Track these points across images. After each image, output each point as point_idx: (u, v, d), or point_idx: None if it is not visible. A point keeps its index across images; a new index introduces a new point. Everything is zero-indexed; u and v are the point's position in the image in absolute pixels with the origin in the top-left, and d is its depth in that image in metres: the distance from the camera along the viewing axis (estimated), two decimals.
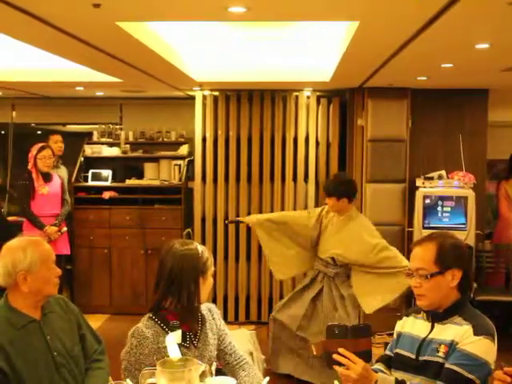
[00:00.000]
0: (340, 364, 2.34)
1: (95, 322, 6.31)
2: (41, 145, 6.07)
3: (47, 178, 6.09)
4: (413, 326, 2.60)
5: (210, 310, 2.85)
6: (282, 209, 6.61)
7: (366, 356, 2.37)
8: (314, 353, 2.41)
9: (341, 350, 2.34)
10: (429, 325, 2.53)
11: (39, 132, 8.97)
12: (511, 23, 3.25)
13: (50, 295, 2.77)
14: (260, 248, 6.58)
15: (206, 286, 2.73)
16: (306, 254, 5.00)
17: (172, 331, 2.46)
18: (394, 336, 2.69)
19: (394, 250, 4.73)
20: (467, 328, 2.39)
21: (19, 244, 2.69)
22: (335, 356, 2.34)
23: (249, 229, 6.63)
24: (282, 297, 6.73)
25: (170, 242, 2.76)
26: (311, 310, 4.87)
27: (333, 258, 4.79)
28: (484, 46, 3.86)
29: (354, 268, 4.78)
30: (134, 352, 2.58)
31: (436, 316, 2.51)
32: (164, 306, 2.68)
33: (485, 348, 2.35)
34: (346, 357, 2.33)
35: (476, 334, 2.37)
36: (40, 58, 5.07)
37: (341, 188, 4.75)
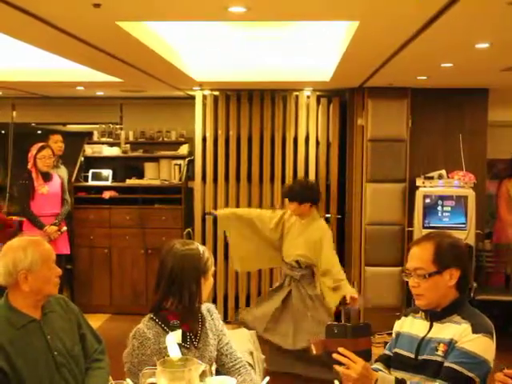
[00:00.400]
0: (340, 363, 2.34)
1: (95, 321, 6.31)
2: (40, 144, 6.07)
3: (47, 177, 6.09)
4: (411, 326, 2.60)
5: (209, 311, 2.85)
6: (282, 208, 6.60)
7: (366, 355, 2.37)
8: (314, 352, 2.40)
9: (341, 349, 2.34)
10: (427, 324, 2.53)
11: (39, 132, 8.98)
12: (511, 23, 3.25)
13: (50, 295, 2.77)
14: None
15: (206, 286, 2.73)
16: (269, 253, 5.08)
17: (172, 331, 2.46)
18: (393, 335, 2.69)
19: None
20: (466, 326, 2.40)
21: (20, 243, 2.69)
22: (335, 355, 2.34)
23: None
24: None
25: (171, 242, 2.76)
26: (279, 312, 4.93)
27: (297, 261, 4.88)
28: (484, 45, 3.86)
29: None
30: (137, 353, 2.58)
31: (434, 315, 2.51)
32: (165, 307, 2.68)
33: (484, 346, 2.36)
34: (346, 356, 2.33)
35: (475, 332, 2.37)
36: (40, 58, 5.08)
37: (303, 193, 4.84)
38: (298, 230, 4.91)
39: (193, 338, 2.69)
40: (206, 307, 2.84)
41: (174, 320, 2.58)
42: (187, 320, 2.67)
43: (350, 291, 4.70)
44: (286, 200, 4.99)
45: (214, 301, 6.61)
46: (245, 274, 6.72)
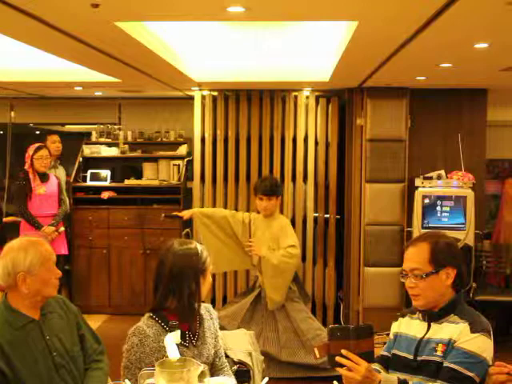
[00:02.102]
0: (343, 366, 2.34)
1: (94, 322, 6.32)
2: (37, 145, 6.08)
3: (44, 178, 6.09)
4: (409, 327, 2.61)
5: (208, 311, 2.87)
6: (281, 208, 6.60)
7: (369, 357, 2.38)
8: (317, 356, 2.41)
9: (344, 351, 2.34)
10: (425, 325, 2.54)
11: (38, 132, 8.97)
12: (510, 23, 3.26)
13: (49, 296, 2.77)
14: None
15: (205, 285, 2.75)
16: (240, 254, 5.14)
17: (172, 331, 2.47)
18: (391, 336, 2.70)
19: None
20: (464, 326, 2.41)
21: (20, 245, 2.69)
22: (338, 358, 2.34)
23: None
24: None
25: (169, 242, 2.77)
26: (250, 314, 4.98)
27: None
28: (483, 45, 3.87)
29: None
30: (135, 350, 2.58)
31: (432, 316, 2.52)
32: (165, 306, 2.69)
33: (482, 345, 2.37)
34: (349, 358, 2.33)
35: (473, 331, 2.38)
36: (38, 58, 5.08)
37: (279, 186, 5.02)
38: (261, 229, 4.99)
39: (192, 337, 2.71)
40: (205, 307, 2.86)
41: (173, 320, 2.59)
42: (187, 319, 2.67)
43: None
44: (256, 200, 5.02)
45: (213, 302, 6.61)
46: (243, 274, 6.72)
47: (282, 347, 4.88)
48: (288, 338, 4.90)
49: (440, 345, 2.42)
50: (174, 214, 5.42)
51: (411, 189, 6.21)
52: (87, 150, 7.32)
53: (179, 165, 7.20)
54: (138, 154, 7.36)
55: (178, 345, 2.41)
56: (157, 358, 2.49)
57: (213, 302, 6.52)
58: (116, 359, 2.72)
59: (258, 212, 5.13)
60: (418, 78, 5.51)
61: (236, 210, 6.69)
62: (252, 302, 4.99)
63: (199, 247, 2.75)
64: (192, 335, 2.72)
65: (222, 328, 4.72)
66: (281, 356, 4.88)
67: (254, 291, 5.04)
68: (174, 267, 2.66)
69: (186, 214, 5.25)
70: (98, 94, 7.30)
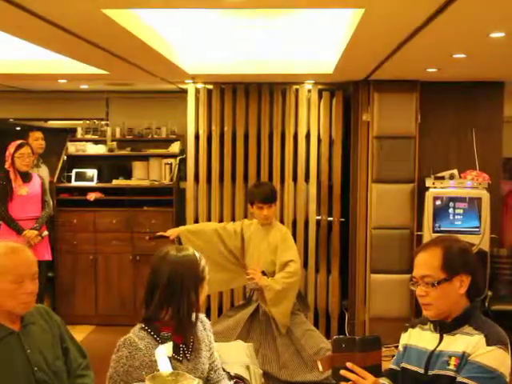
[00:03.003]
0: (348, 380, 2.33)
1: (79, 333, 6.31)
2: (19, 142, 6.06)
3: (26, 177, 6.08)
4: (419, 339, 2.60)
5: (201, 321, 2.85)
6: (281, 210, 6.61)
7: (376, 370, 2.37)
8: (321, 369, 2.40)
9: (349, 364, 2.33)
10: (437, 336, 2.53)
11: (18, 128, 8.97)
12: None
13: (16, 313, 2.69)
14: None
15: (202, 295, 2.75)
16: (231, 273, 5.08)
17: (163, 343, 2.46)
18: (400, 349, 2.70)
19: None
20: (479, 338, 2.40)
21: None
22: (343, 372, 2.33)
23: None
24: None
25: (163, 249, 2.75)
26: (246, 330, 4.90)
27: (263, 272, 4.84)
28: (499, 34, 3.87)
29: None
30: (124, 363, 2.57)
31: (444, 326, 2.51)
32: (159, 317, 2.67)
33: (499, 359, 2.36)
34: (354, 372, 2.33)
35: (489, 344, 2.37)
36: (19, 48, 5.07)
37: (275, 193, 4.96)
38: (258, 238, 4.94)
39: (185, 350, 2.70)
40: (199, 319, 2.85)
41: (165, 332, 2.58)
42: (181, 331, 2.66)
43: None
44: (252, 208, 4.97)
45: (208, 311, 6.61)
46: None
47: (282, 367, 4.87)
48: (288, 356, 4.88)
49: (453, 358, 2.41)
50: (159, 234, 5.33)
51: (421, 189, 6.21)
52: (72, 148, 7.31)
53: (171, 164, 7.20)
54: (126, 151, 7.35)
55: (170, 358, 2.41)
56: (146, 373, 2.48)
57: (207, 312, 6.52)
58: (103, 374, 2.71)
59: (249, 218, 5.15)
60: (429, 69, 5.51)
61: (233, 212, 6.70)
62: (248, 317, 4.97)
63: (197, 254, 2.74)
64: (186, 348, 2.70)
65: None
66: (280, 376, 4.87)
67: (251, 305, 4.98)
68: (172, 276, 2.64)
69: (171, 233, 5.17)
70: (84, 87, 7.29)
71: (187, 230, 5.15)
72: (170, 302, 2.65)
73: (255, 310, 4.95)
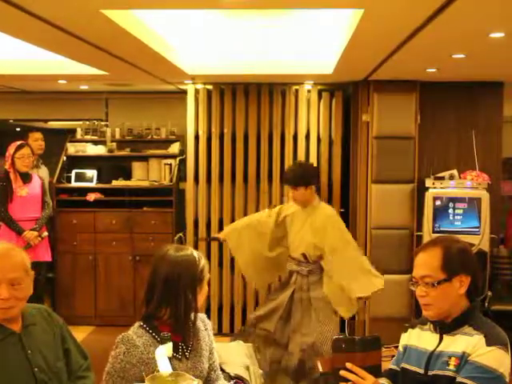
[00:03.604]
0: (348, 380, 2.33)
1: (79, 334, 6.29)
2: (19, 143, 6.06)
3: (26, 178, 6.08)
4: (419, 339, 2.60)
5: (202, 321, 2.86)
6: None
7: (376, 371, 2.37)
8: (320, 370, 2.40)
9: (348, 365, 2.33)
10: (437, 336, 2.53)
11: (18, 129, 8.96)
12: None
13: None
14: None
15: (201, 295, 2.74)
16: (275, 258, 5.08)
17: (163, 343, 2.46)
18: (400, 349, 2.69)
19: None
20: (479, 338, 2.40)
21: None
22: (342, 372, 2.33)
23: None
24: None
25: (163, 248, 2.75)
26: (287, 312, 4.91)
27: (304, 255, 4.84)
28: (499, 34, 3.87)
29: (326, 272, 4.84)
30: (121, 359, 2.57)
31: (444, 327, 2.51)
32: (158, 316, 2.68)
33: (499, 359, 2.36)
34: (354, 372, 2.32)
35: (489, 344, 2.37)
36: (19, 49, 5.06)
37: (308, 175, 4.85)
38: (300, 220, 4.89)
39: (185, 349, 2.70)
40: (200, 317, 2.85)
41: (165, 332, 2.58)
42: (179, 331, 2.67)
43: (363, 289, 4.68)
44: (288, 190, 4.95)
45: (208, 311, 6.61)
46: (240, 282, 6.72)
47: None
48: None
49: (453, 358, 2.41)
50: (213, 236, 5.66)
51: (421, 190, 6.20)
52: (72, 149, 7.30)
53: (171, 164, 7.19)
54: (126, 152, 7.34)
55: (170, 358, 2.42)
56: (143, 370, 2.49)
57: (207, 313, 6.51)
58: (102, 375, 2.70)
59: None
60: (429, 70, 5.51)
61: (233, 212, 6.70)
62: (288, 299, 4.91)
63: (196, 254, 2.73)
64: (185, 347, 2.70)
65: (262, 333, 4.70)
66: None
67: (290, 287, 4.93)
68: (169, 275, 2.65)
69: (221, 235, 5.29)
70: (84, 88, 7.29)
71: (232, 230, 5.18)
72: (168, 301, 2.65)
73: (292, 293, 4.91)
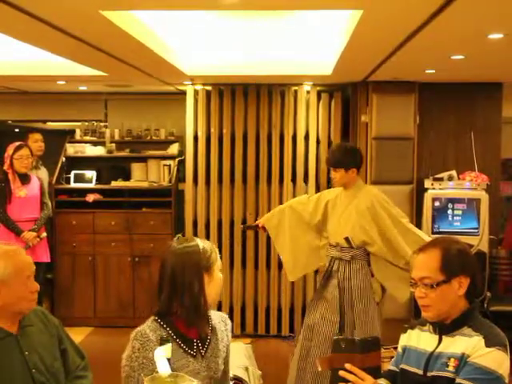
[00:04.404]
0: (347, 381, 2.33)
1: (78, 335, 6.29)
2: (18, 144, 6.06)
3: (25, 179, 6.08)
4: (418, 340, 2.59)
5: (223, 320, 2.80)
6: None
7: (375, 372, 2.37)
8: (319, 369, 2.40)
9: (347, 365, 2.33)
10: (436, 337, 2.53)
11: (17, 130, 8.96)
12: None
13: (25, 311, 2.74)
14: (256, 255, 6.61)
15: (213, 283, 2.65)
16: (314, 246, 4.85)
17: (162, 344, 2.44)
18: (399, 350, 2.69)
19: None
20: (478, 339, 2.39)
21: None
22: (341, 372, 2.33)
23: (244, 234, 6.64)
24: (280, 307, 6.74)
25: (170, 242, 2.73)
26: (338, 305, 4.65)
27: (347, 239, 4.58)
28: (498, 35, 3.87)
29: (373, 256, 4.62)
30: (137, 356, 2.50)
31: (443, 328, 2.51)
32: (171, 311, 2.63)
33: (498, 360, 2.36)
34: (353, 373, 2.32)
35: (488, 345, 2.37)
36: (18, 50, 5.06)
37: (348, 157, 4.64)
38: (343, 204, 4.67)
39: (200, 346, 2.63)
40: (221, 316, 2.80)
41: (182, 326, 2.55)
42: (194, 323, 2.60)
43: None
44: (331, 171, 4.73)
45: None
46: (240, 283, 6.72)
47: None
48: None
49: (452, 359, 2.41)
50: (252, 224, 5.38)
51: (420, 191, 6.21)
52: (71, 150, 7.30)
53: (170, 165, 7.19)
54: (125, 153, 7.34)
55: (184, 353, 2.45)
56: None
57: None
58: (101, 375, 2.70)
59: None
60: (428, 71, 5.51)
61: (232, 213, 6.71)
62: (337, 292, 4.64)
63: (200, 243, 2.66)
64: (201, 344, 2.63)
65: None
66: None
67: (333, 278, 4.66)
68: (174, 267, 2.60)
69: (260, 221, 5.04)
70: (83, 88, 7.28)
71: (271, 215, 4.99)
72: (176, 294, 2.61)
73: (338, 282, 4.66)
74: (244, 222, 6.66)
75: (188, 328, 2.58)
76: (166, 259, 2.65)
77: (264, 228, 4.96)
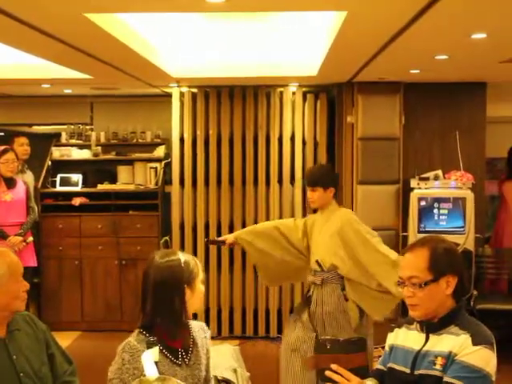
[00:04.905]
0: (333, 381, 2.33)
1: (65, 339, 6.25)
2: (3, 147, 6.03)
3: (11, 183, 6.04)
4: (406, 338, 2.60)
5: (202, 329, 2.85)
6: (267, 213, 6.62)
7: (362, 372, 2.37)
8: (306, 368, 2.40)
9: (334, 366, 2.33)
10: (423, 336, 2.53)
11: (2, 134, 8.89)
12: (508, 10, 3.27)
13: (17, 311, 2.74)
14: (244, 257, 6.60)
15: (195, 296, 2.70)
16: (296, 268, 4.78)
17: (149, 347, 2.44)
18: (386, 349, 2.69)
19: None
20: (465, 337, 2.40)
21: None
22: (327, 373, 2.33)
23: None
24: (268, 309, 6.74)
25: (152, 254, 2.74)
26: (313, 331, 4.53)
27: (318, 262, 4.51)
28: (481, 35, 3.89)
29: (346, 279, 4.49)
30: (127, 368, 2.52)
31: (430, 326, 2.51)
32: (156, 323, 2.66)
33: (485, 358, 2.36)
34: (339, 373, 2.32)
35: (475, 343, 2.37)
36: (2, 53, 5.03)
37: (327, 176, 4.59)
38: (317, 228, 4.61)
39: (184, 355, 2.68)
40: (199, 326, 2.85)
41: (165, 338, 2.57)
42: (175, 336, 2.65)
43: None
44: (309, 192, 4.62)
45: (194, 316, 6.57)
46: (227, 285, 6.72)
47: None
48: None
49: (439, 358, 2.42)
50: (216, 239, 5.25)
51: (406, 190, 6.22)
52: (57, 153, 7.27)
53: (156, 168, 7.18)
54: (111, 156, 7.32)
55: (171, 362, 2.47)
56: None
57: (194, 316, 6.49)
58: (89, 380, 2.69)
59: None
60: (412, 71, 5.53)
61: (218, 215, 6.70)
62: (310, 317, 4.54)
63: (182, 257, 2.69)
64: (185, 353, 2.69)
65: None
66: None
67: (309, 306, 4.58)
68: (156, 282, 2.63)
69: (228, 237, 4.87)
70: (68, 91, 7.26)
71: (244, 233, 4.84)
72: (159, 308, 2.64)
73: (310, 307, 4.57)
74: (231, 224, 6.67)
75: (172, 339, 2.62)
76: (148, 273, 2.67)
77: (231, 245, 4.84)
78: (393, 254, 4.32)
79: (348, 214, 4.61)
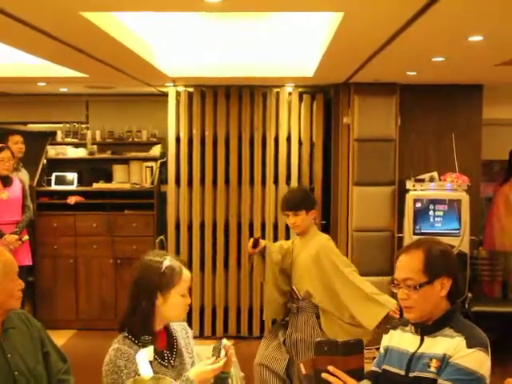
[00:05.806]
0: (330, 383, 2.33)
1: (60, 338, 6.24)
2: None
3: (6, 182, 6.04)
4: (400, 341, 2.60)
5: (184, 328, 2.84)
6: (263, 213, 6.62)
7: (358, 374, 2.37)
8: (303, 372, 2.40)
9: (330, 368, 2.33)
10: (418, 338, 2.53)
11: None
12: (505, 13, 3.28)
13: (12, 309, 2.74)
14: (239, 256, 6.61)
15: (168, 306, 2.63)
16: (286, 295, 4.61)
17: (144, 346, 2.44)
18: (381, 351, 2.69)
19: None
20: (460, 340, 2.40)
21: None
22: (324, 375, 2.33)
23: (226, 236, 6.63)
24: (262, 309, 6.73)
25: (146, 253, 2.73)
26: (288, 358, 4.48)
27: (293, 290, 4.44)
28: (477, 38, 3.89)
29: (321, 309, 4.40)
30: (126, 373, 2.51)
31: (425, 329, 2.51)
32: (130, 322, 2.65)
33: (479, 361, 2.36)
34: (336, 376, 2.32)
35: (469, 346, 2.37)
36: None
37: (308, 198, 4.49)
38: (298, 252, 4.48)
39: (169, 357, 2.69)
40: (181, 325, 2.84)
41: (146, 336, 2.55)
42: (152, 339, 2.62)
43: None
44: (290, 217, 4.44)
45: (189, 314, 6.57)
46: (222, 284, 6.72)
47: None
48: None
49: (434, 360, 2.41)
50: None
51: (402, 192, 6.23)
52: (52, 151, 7.27)
53: (152, 167, 7.18)
54: (107, 155, 7.32)
55: (158, 363, 2.45)
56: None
57: (189, 315, 6.49)
58: (83, 378, 2.69)
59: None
60: (409, 73, 5.53)
61: (214, 215, 6.70)
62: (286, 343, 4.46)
63: (168, 262, 2.63)
64: (170, 354, 2.69)
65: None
66: None
67: (286, 330, 4.48)
68: (132, 279, 2.64)
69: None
70: (64, 90, 7.25)
71: (271, 245, 4.61)
72: (130, 306, 2.64)
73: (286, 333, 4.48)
74: (226, 223, 6.67)
75: (157, 341, 2.59)
76: (135, 270, 2.66)
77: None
78: (368, 287, 4.25)
79: (324, 241, 4.45)
